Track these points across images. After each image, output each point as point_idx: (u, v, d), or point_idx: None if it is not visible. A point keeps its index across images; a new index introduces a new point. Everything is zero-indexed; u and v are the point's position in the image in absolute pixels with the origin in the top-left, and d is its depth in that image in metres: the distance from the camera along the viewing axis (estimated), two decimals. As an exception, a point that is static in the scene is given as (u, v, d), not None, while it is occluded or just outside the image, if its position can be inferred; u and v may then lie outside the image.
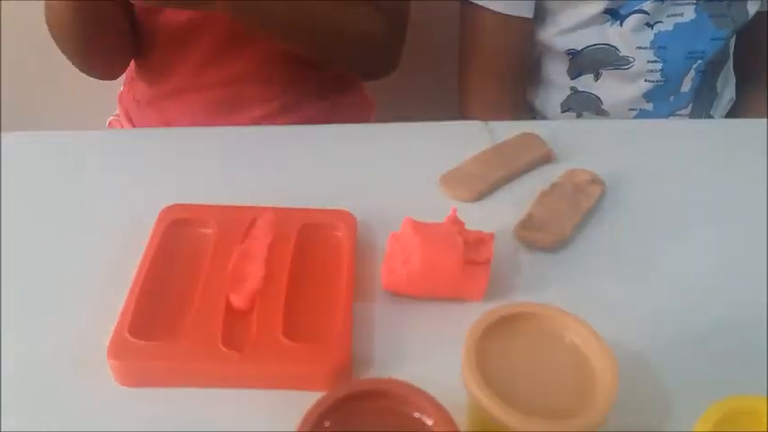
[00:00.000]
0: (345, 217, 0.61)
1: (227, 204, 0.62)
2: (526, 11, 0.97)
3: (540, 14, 0.99)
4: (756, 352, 0.51)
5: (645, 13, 0.95)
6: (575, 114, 1.03)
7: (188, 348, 0.50)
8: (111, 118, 1.05)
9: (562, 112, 1.04)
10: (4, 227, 0.61)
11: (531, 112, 1.07)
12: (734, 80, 1.13)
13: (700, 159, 0.73)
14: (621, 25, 0.96)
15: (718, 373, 0.50)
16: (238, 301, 0.52)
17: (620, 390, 0.39)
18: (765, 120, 0.80)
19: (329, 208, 0.61)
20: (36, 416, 0.47)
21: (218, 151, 0.73)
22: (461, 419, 0.39)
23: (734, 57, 1.10)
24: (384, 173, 0.70)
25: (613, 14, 0.96)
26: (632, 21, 0.96)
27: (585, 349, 0.42)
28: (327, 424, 0.36)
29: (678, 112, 1.03)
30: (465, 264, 0.54)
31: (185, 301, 0.53)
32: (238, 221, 0.59)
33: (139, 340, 0.49)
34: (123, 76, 1.00)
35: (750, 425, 0.39)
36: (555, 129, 0.75)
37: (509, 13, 0.96)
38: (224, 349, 0.49)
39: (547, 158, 0.71)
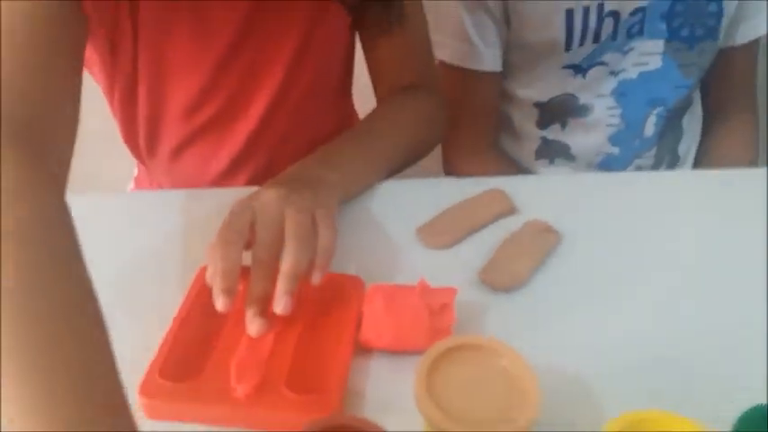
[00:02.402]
0: (356, 281, 0.69)
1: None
2: (494, 66, 1.07)
3: (507, 70, 1.08)
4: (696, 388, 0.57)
5: (605, 64, 1.03)
6: (548, 161, 1.12)
7: (205, 392, 0.59)
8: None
9: (536, 159, 1.13)
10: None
11: (508, 159, 1.16)
12: (701, 115, 1.18)
13: (653, 211, 0.80)
14: (584, 77, 1.04)
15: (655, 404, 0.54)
16: (242, 391, 0.58)
17: (556, 409, 0.49)
18: (720, 171, 0.87)
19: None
20: None
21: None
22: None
23: (701, 92, 1.17)
24: (375, 227, 0.79)
25: (575, 68, 1.03)
26: (594, 72, 1.03)
27: (515, 371, 0.51)
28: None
29: (644, 155, 1.10)
30: (430, 332, 0.61)
31: (210, 352, 0.62)
32: None
33: (167, 381, 0.58)
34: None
35: None
36: (518, 183, 0.84)
37: (481, 69, 1.06)
38: (234, 396, 0.58)
39: (510, 211, 0.80)
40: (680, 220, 0.79)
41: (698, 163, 1.18)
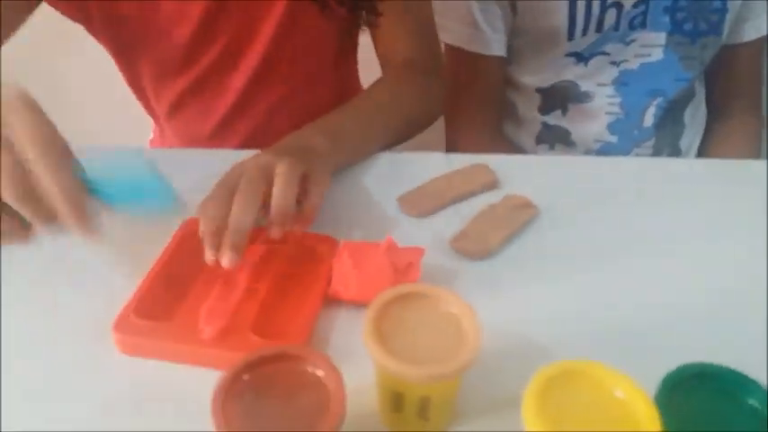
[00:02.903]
0: (330, 241, 0.72)
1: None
2: (499, 50, 1.09)
3: (511, 55, 1.10)
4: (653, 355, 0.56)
5: (607, 54, 1.05)
6: (548, 146, 1.14)
7: (174, 332, 0.62)
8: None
9: (536, 144, 1.15)
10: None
11: (510, 144, 1.18)
12: (705, 112, 1.20)
13: (630, 193, 0.82)
14: (586, 65, 1.06)
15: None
16: (208, 333, 0.61)
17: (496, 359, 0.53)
18: (696, 159, 0.89)
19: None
20: (51, 373, 0.61)
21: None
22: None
23: (705, 89, 1.18)
24: (359, 194, 0.82)
25: (577, 56, 1.05)
26: (595, 62, 1.05)
27: (461, 317, 0.53)
28: (246, 377, 0.49)
29: (643, 144, 1.11)
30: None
31: (184, 296, 0.65)
32: None
33: (140, 319, 0.62)
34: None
35: (579, 385, 0.48)
36: (505, 161, 0.86)
37: (486, 53, 1.09)
38: (201, 336, 0.61)
39: (492, 185, 0.82)
40: (658, 205, 0.81)
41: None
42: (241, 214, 0.63)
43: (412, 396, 0.52)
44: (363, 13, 0.97)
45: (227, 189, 0.66)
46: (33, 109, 0.54)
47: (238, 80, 0.97)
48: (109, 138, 1.41)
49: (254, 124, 1.02)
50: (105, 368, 0.61)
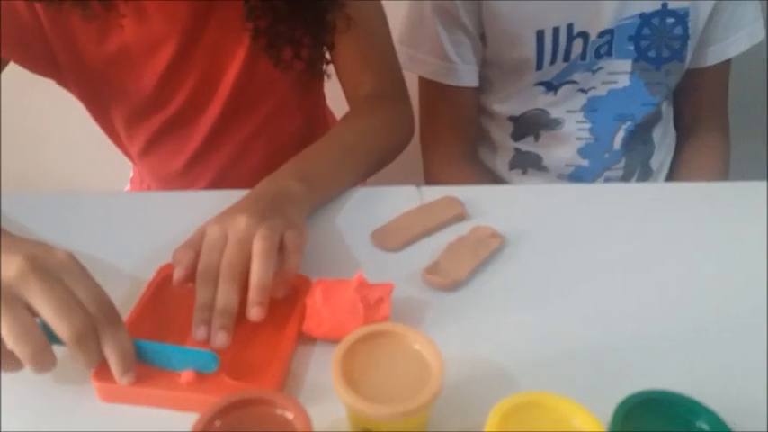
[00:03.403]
0: (303, 279, 0.73)
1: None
2: (471, 81, 1.12)
3: (483, 85, 1.13)
4: (612, 382, 0.58)
5: (575, 82, 1.08)
6: (521, 171, 1.17)
7: (152, 378, 0.63)
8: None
9: (510, 170, 1.18)
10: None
11: (485, 168, 1.21)
12: (673, 132, 1.23)
13: (597, 221, 0.85)
14: (555, 94, 1.09)
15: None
16: (185, 378, 0.63)
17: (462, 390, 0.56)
18: (663, 184, 0.92)
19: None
20: (33, 419, 0.62)
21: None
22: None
23: (673, 110, 1.21)
24: (332, 230, 0.84)
25: (547, 85, 1.08)
26: (564, 90, 1.08)
27: (424, 353, 0.56)
28: (218, 423, 0.51)
29: (613, 167, 1.14)
30: (366, 323, 0.65)
31: (163, 339, 0.67)
32: None
33: None
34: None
35: (538, 415, 0.51)
36: (476, 192, 0.89)
37: (458, 85, 1.11)
38: (178, 381, 0.63)
39: (461, 217, 0.85)
40: (622, 230, 0.83)
41: (670, 178, 1.21)
42: (226, 300, 0.66)
43: (383, 433, 0.54)
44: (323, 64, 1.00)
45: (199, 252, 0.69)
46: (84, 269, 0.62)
47: (206, 121, 1.01)
48: (91, 177, 1.45)
49: (224, 160, 1.06)
50: (86, 415, 0.63)
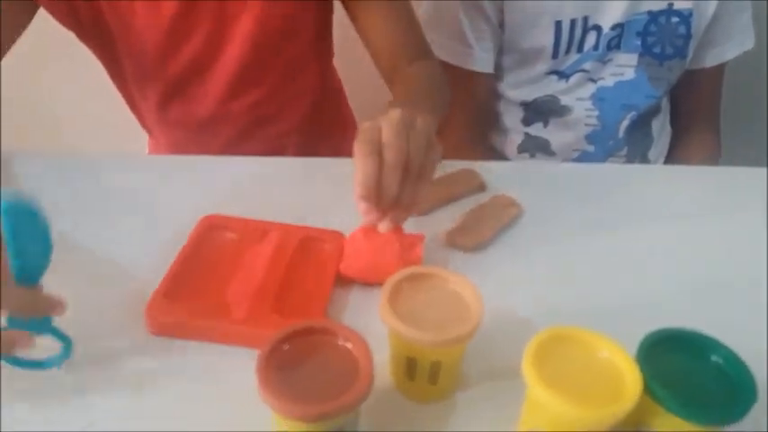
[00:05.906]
0: (336, 234, 0.79)
1: (248, 218, 0.81)
2: (487, 67, 1.17)
3: (498, 71, 1.18)
4: (630, 324, 0.60)
5: (586, 71, 1.15)
6: (528, 155, 1.23)
7: (204, 312, 0.69)
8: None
9: (519, 153, 1.23)
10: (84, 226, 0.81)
11: (494, 152, 1.26)
12: (669, 129, 1.29)
13: (603, 197, 0.92)
14: (567, 82, 1.15)
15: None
16: (235, 315, 0.69)
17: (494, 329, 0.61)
18: (664, 166, 0.99)
19: (316, 222, 0.81)
20: (91, 349, 0.66)
21: (245, 175, 0.93)
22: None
23: (671, 109, 1.28)
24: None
25: (559, 74, 1.14)
26: (576, 78, 1.14)
27: (464, 294, 0.62)
28: (286, 347, 0.56)
29: (616, 154, 1.21)
30: (401, 262, 0.72)
31: (208, 282, 0.73)
32: (255, 231, 0.79)
33: (170, 302, 0.69)
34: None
35: (569, 347, 0.56)
36: (491, 166, 0.95)
37: (475, 70, 1.17)
38: (230, 317, 0.68)
39: (481, 188, 0.91)
40: (634, 208, 0.91)
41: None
42: (391, 186, 0.68)
43: (424, 362, 0.60)
44: None
45: (368, 143, 0.69)
46: None
47: (221, 74, 1.03)
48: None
49: (241, 121, 1.09)
50: (137, 349, 0.68)
